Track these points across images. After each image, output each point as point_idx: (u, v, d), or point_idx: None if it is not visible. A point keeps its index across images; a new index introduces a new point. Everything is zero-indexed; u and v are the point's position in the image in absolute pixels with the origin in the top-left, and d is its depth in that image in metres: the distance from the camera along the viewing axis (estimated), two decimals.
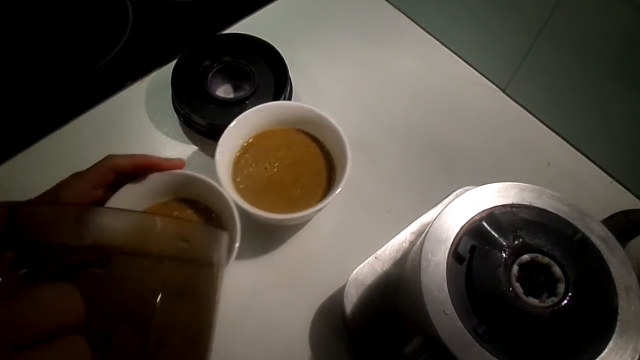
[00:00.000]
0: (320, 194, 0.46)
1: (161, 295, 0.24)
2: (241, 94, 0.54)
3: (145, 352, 0.23)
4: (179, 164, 0.43)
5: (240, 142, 0.48)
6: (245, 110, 0.49)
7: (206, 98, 0.53)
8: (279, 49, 0.55)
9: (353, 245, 0.47)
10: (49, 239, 0.23)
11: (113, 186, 0.41)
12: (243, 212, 0.42)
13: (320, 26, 0.64)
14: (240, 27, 0.63)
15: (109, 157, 0.40)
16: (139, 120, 0.55)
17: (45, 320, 0.20)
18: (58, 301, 0.21)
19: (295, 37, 0.62)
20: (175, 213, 0.44)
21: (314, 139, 0.49)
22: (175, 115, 0.55)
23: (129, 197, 0.41)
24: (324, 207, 0.44)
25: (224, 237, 0.27)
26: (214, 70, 0.55)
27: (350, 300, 0.41)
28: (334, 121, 0.47)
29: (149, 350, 0.24)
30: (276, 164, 0.48)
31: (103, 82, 0.58)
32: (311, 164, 0.48)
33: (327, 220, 0.50)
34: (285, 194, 0.46)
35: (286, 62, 0.54)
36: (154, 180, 0.42)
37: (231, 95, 0.56)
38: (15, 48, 0.61)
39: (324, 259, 0.47)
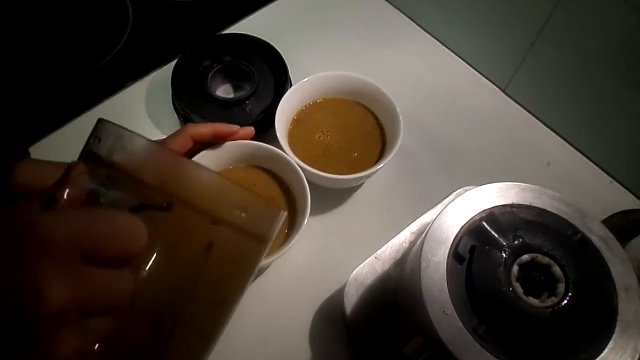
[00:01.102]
0: (377, 151, 0.50)
1: (204, 252, 0.26)
2: (241, 94, 0.54)
3: (178, 296, 0.26)
4: (250, 132, 0.46)
5: (288, 119, 0.51)
6: (246, 110, 0.50)
7: (206, 98, 0.53)
8: (279, 49, 0.55)
9: (353, 245, 0.47)
10: (133, 171, 0.25)
11: (190, 154, 0.44)
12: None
13: (320, 26, 0.64)
14: (240, 27, 0.63)
15: (189, 126, 0.43)
16: (139, 120, 0.55)
17: (115, 242, 0.22)
18: (130, 228, 0.23)
19: (295, 37, 0.62)
20: (247, 178, 0.47)
21: (357, 103, 0.53)
22: (175, 115, 0.55)
23: (205, 162, 0.44)
24: (387, 162, 0.47)
25: (282, 217, 0.27)
26: (214, 70, 0.55)
27: (350, 300, 0.41)
28: (369, 79, 0.51)
29: (181, 297, 0.26)
30: (328, 132, 0.51)
31: (103, 82, 0.58)
32: (360, 126, 0.52)
33: (327, 221, 0.50)
34: (345, 157, 0.50)
35: (286, 62, 0.54)
36: (229, 147, 0.46)
37: (231, 95, 0.56)
38: (15, 48, 0.61)
39: (324, 259, 0.47)
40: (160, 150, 0.27)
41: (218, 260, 0.26)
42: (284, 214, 0.27)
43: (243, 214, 0.26)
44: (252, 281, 0.46)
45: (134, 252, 0.23)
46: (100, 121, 0.26)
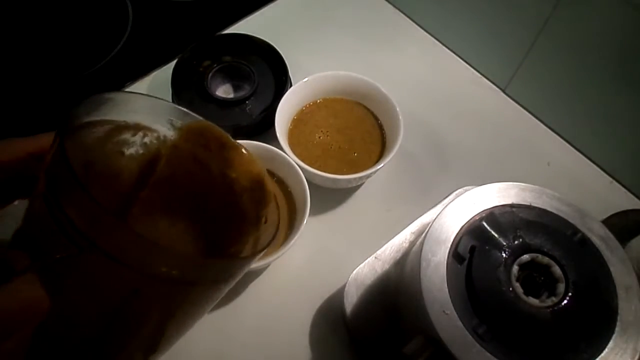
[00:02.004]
0: (377, 151, 0.50)
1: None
2: (241, 94, 0.54)
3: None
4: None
5: (288, 119, 0.51)
6: (246, 110, 0.50)
7: (206, 98, 0.53)
8: (279, 49, 0.55)
9: (353, 245, 0.47)
10: None
11: None
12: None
13: (320, 26, 0.64)
14: (240, 27, 0.63)
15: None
16: None
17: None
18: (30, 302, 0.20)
19: (295, 37, 0.62)
20: None
21: (357, 103, 0.53)
22: None
23: None
24: (387, 162, 0.47)
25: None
26: (214, 70, 0.55)
27: (350, 300, 0.41)
28: (369, 79, 0.51)
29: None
30: (328, 132, 0.51)
31: (103, 82, 0.58)
32: (360, 126, 0.52)
33: (327, 221, 0.50)
34: (345, 157, 0.50)
35: (286, 62, 0.54)
36: None
37: (231, 95, 0.56)
38: (15, 48, 0.61)
39: (324, 259, 0.47)
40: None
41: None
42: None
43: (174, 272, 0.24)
44: (252, 281, 0.46)
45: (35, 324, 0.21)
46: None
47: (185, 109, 0.29)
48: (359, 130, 0.51)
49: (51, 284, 0.21)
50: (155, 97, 0.28)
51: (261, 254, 0.26)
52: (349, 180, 0.47)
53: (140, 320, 0.25)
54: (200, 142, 0.30)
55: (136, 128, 0.29)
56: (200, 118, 0.30)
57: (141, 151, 0.30)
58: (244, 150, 0.30)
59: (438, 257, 0.32)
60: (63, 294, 0.22)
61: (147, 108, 0.29)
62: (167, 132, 0.30)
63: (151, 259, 0.21)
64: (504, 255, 0.32)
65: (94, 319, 0.24)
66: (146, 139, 0.29)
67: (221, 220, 0.31)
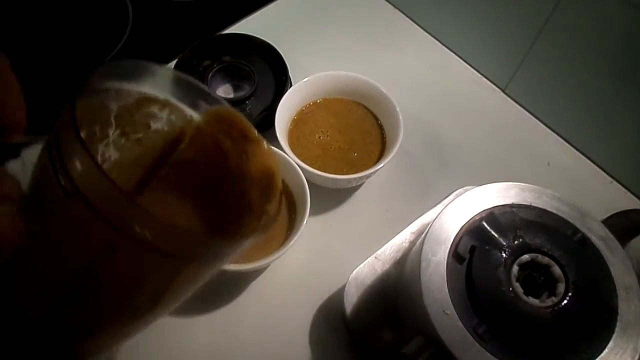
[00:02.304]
0: (377, 151, 0.50)
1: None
2: (241, 94, 0.54)
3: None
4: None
5: (288, 119, 0.51)
6: (246, 110, 0.50)
7: None
8: (279, 49, 0.55)
9: (353, 245, 0.47)
10: None
11: None
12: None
13: (320, 26, 0.64)
14: (240, 27, 0.63)
15: None
16: None
17: None
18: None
19: (295, 37, 0.62)
20: None
21: (357, 103, 0.53)
22: None
23: None
24: (388, 161, 0.47)
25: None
26: (214, 70, 0.55)
27: (350, 300, 0.41)
28: (369, 79, 0.51)
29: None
30: (328, 132, 0.51)
31: None
32: (360, 126, 0.52)
33: (327, 221, 0.50)
34: (345, 157, 0.50)
35: (286, 62, 0.54)
36: None
37: (231, 95, 0.56)
38: (15, 48, 0.61)
39: (324, 259, 0.47)
40: None
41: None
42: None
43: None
44: (252, 281, 0.46)
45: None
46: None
47: (215, 94, 0.30)
48: (359, 130, 0.51)
49: (34, 224, 0.22)
50: (187, 76, 0.29)
51: (240, 244, 0.26)
52: (349, 180, 0.47)
53: (112, 285, 0.25)
54: (223, 129, 0.31)
55: (165, 104, 0.30)
56: (228, 105, 0.31)
57: (166, 128, 0.30)
58: (265, 144, 0.31)
59: (438, 257, 0.32)
60: (43, 236, 0.23)
61: (177, 85, 0.29)
62: (193, 113, 0.30)
63: (127, 216, 0.22)
64: (504, 255, 0.32)
65: (69, 269, 0.25)
66: (172, 117, 0.30)
67: (225, 208, 0.31)
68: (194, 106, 0.30)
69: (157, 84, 0.29)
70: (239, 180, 0.30)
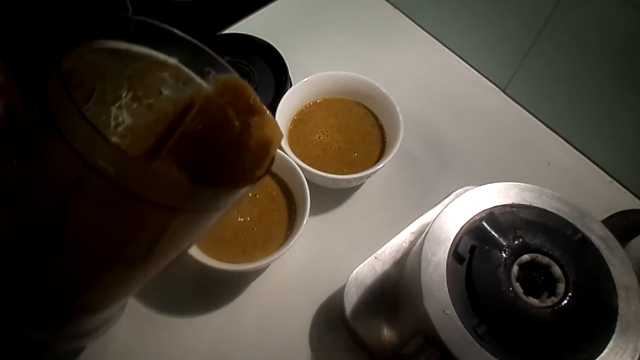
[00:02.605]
0: (377, 151, 0.50)
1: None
2: None
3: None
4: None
5: (288, 119, 0.51)
6: None
7: None
8: (279, 49, 0.55)
9: (353, 245, 0.47)
10: None
11: None
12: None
13: (320, 26, 0.64)
14: (240, 27, 0.63)
15: None
16: None
17: None
18: None
19: (295, 37, 0.62)
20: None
21: (357, 103, 0.53)
22: None
23: None
24: (388, 161, 0.47)
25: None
26: None
27: (350, 300, 0.41)
28: (369, 79, 0.51)
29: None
30: (328, 132, 0.51)
31: None
32: (360, 126, 0.52)
33: (327, 221, 0.50)
34: (345, 157, 0.50)
35: (286, 62, 0.54)
36: None
37: None
38: (15, 48, 0.61)
39: (324, 259, 0.47)
40: None
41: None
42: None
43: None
44: (252, 281, 0.46)
45: None
46: None
47: (222, 60, 0.31)
48: (359, 130, 0.51)
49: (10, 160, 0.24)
50: (198, 42, 0.30)
51: (213, 199, 0.27)
52: (349, 180, 0.47)
53: (87, 230, 0.26)
54: (230, 99, 0.32)
55: (174, 69, 0.30)
56: (235, 73, 0.31)
57: (176, 95, 0.31)
58: (268, 115, 0.31)
59: (438, 257, 0.32)
60: (19, 172, 0.25)
61: (188, 50, 0.30)
62: (202, 81, 0.31)
63: (94, 149, 0.23)
64: (504, 255, 0.32)
65: (42, 209, 0.26)
66: (182, 84, 0.31)
67: (215, 169, 0.32)
68: (202, 73, 0.31)
69: (166, 46, 0.29)
70: (239, 150, 0.31)
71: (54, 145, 0.23)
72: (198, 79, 0.31)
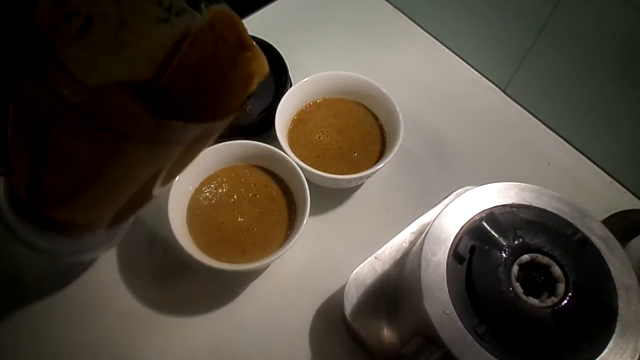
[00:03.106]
0: (377, 151, 0.50)
1: None
2: None
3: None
4: None
5: (288, 119, 0.51)
6: (246, 110, 0.50)
7: None
8: (279, 49, 0.55)
9: (353, 245, 0.47)
10: None
11: None
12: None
13: (320, 26, 0.64)
14: None
15: None
16: None
17: None
18: None
19: (295, 37, 0.62)
20: (251, 178, 0.48)
21: (357, 103, 0.53)
22: None
23: (205, 161, 0.46)
24: (388, 161, 0.47)
25: None
26: None
27: (350, 300, 0.41)
28: (369, 79, 0.51)
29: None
30: (328, 132, 0.51)
31: None
32: (360, 126, 0.52)
33: (327, 221, 0.50)
34: (345, 157, 0.50)
35: (286, 62, 0.54)
36: (229, 147, 0.46)
37: None
38: (14, 48, 0.61)
39: (324, 259, 0.47)
40: None
41: None
42: None
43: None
44: (252, 281, 0.46)
45: None
46: None
47: None
48: (359, 130, 0.51)
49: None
50: None
51: (173, 132, 0.27)
52: (349, 180, 0.47)
53: (67, 154, 0.28)
54: (221, 29, 0.33)
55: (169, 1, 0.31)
56: (227, 5, 0.33)
57: (170, 26, 0.32)
58: (256, 49, 0.32)
59: (438, 257, 0.32)
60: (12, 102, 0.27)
61: None
62: (194, 12, 0.33)
63: (56, 78, 0.25)
64: (504, 255, 0.32)
65: (28, 131, 0.28)
66: (177, 13, 0.32)
67: (201, 105, 0.33)
68: (195, 5, 0.32)
69: None
70: (224, 86, 0.32)
71: (31, 80, 0.26)
72: (192, 10, 0.32)
